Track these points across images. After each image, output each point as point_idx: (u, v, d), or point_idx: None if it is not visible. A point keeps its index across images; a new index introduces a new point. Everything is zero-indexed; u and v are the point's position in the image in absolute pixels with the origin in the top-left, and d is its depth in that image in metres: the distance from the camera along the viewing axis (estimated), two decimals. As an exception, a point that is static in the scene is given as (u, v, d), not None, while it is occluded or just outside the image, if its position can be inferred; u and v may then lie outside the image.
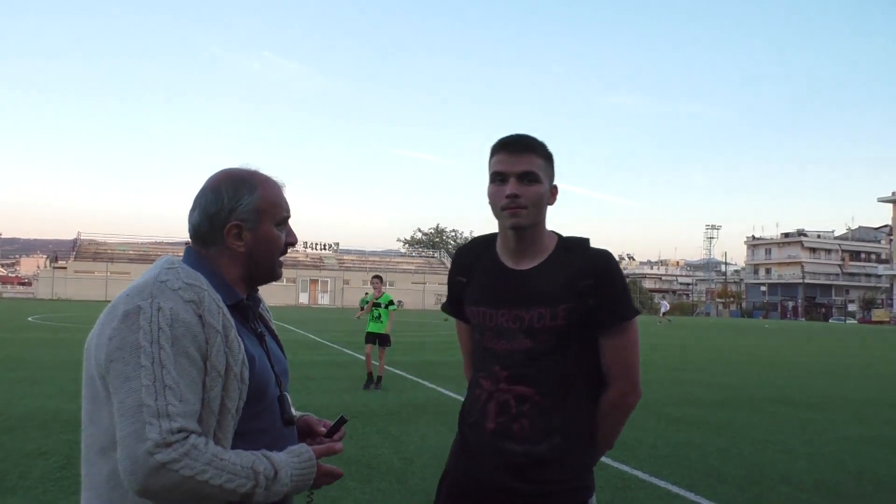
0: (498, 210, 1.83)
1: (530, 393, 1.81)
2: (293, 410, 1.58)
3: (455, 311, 2.05)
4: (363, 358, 10.99)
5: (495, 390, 1.85)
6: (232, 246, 1.52)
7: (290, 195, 1.65)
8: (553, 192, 1.88)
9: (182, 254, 1.56)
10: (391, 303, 10.95)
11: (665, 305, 50.96)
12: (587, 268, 1.81)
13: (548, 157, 1.85)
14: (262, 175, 1.58)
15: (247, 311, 1.55)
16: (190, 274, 1.45)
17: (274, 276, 1.60)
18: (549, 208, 1.89)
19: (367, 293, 11.37)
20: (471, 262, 1.97)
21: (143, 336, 1.32)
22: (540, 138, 1.86)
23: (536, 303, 1.81)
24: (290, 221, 1.64)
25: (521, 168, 1.78)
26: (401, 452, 6.09)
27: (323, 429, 1.69)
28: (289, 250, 1.63)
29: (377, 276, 11.45)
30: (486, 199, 1.88)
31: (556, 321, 1.80)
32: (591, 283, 1.79)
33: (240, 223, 1.51)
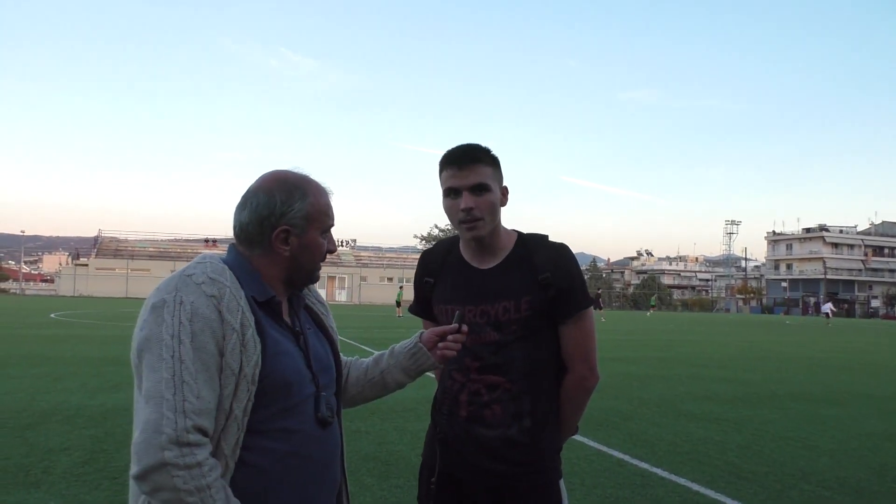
0: (456, 223, 1.93)
1: (501, 381, 1.92)
2: (327, 411, 1.57)
3: (423, 312, 2.15)
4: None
5: (467, 381, 1.96)
6: (277, 249, 1.55)
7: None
8: (504, 193, 1.97)
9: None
10: None
11: (828, 306, 50.25)
12: (545, 261, 1.92)
13: (495, 163, 1.93)
14: (313, 182, 1.61)
15: (278, 309, 1.56)
16: (216, 269, 1.48)
17: (313, 279, 1.66)
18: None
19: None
20: (437, 264, 2.08)
21: (166, 329, 1.36)
22: (485, 144, 1.94)
23: (501, 297, 1.93)
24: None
25: (472, 181, 1.87)
26: (418, 449, 6.07)
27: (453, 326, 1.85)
28: (327, 257, 1.68)
29: None
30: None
31: (520, 313, 1.91)
32: (549, 276, 1.90)
33: (288, 228, 1.54)
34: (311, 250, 1.59)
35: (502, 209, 1.97)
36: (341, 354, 1.83)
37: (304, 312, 1.70)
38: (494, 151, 1.95)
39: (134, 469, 1.31)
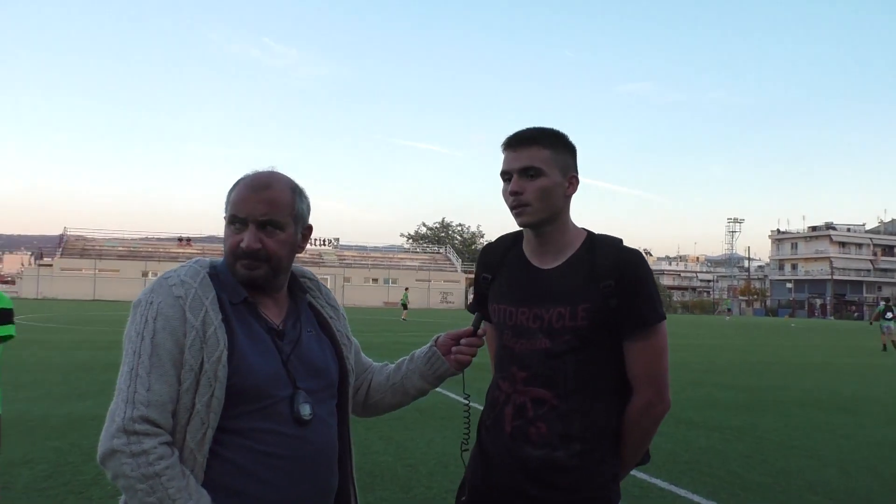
0: (510, 210, 1.87)
1: (548, 396, 1.81)
2: (303, 409, 1.58)
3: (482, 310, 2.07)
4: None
5: (513, 392, 1.87)
6: None
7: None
8: (571, 181, 1.88)
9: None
10: (7, 318, 3.17)
11: None
12: (610, 267, 1.80)
13: (557, 147, 1.85)
14: (249, 175, 1.66)
15: (252, 309, 1.62)
16: (191, 272, 1.60)
17: (237, 276, 1.62)
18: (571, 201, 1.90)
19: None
20: (497, 259, 2.01)
21: (135, 327, 1.52)
22: (557, 128, 1.88)
23: (556, 302, 1.83)
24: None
25: (522, 164, 1.83)
26: (405, 459, 6.10)
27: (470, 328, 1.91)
28: (244, 258, 1.60)
29: None
30: (497, 193, 1.92)
31: (576, 321, 1.80)
32: (612, 284, 1.78)
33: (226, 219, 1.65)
34: (225, 242, 1.66)
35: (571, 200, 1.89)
36: (366, 359, 1.93)
37: (309, 314, 1.74)
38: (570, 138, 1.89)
39: (98, 455, 1.46)
